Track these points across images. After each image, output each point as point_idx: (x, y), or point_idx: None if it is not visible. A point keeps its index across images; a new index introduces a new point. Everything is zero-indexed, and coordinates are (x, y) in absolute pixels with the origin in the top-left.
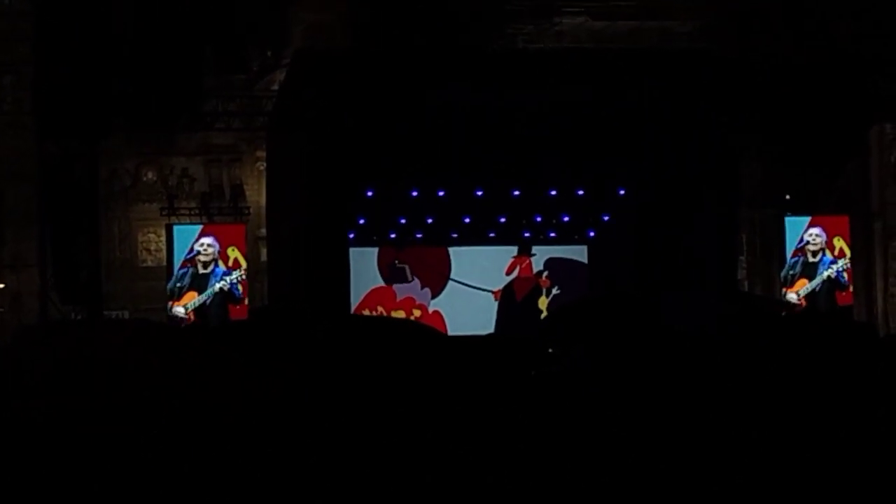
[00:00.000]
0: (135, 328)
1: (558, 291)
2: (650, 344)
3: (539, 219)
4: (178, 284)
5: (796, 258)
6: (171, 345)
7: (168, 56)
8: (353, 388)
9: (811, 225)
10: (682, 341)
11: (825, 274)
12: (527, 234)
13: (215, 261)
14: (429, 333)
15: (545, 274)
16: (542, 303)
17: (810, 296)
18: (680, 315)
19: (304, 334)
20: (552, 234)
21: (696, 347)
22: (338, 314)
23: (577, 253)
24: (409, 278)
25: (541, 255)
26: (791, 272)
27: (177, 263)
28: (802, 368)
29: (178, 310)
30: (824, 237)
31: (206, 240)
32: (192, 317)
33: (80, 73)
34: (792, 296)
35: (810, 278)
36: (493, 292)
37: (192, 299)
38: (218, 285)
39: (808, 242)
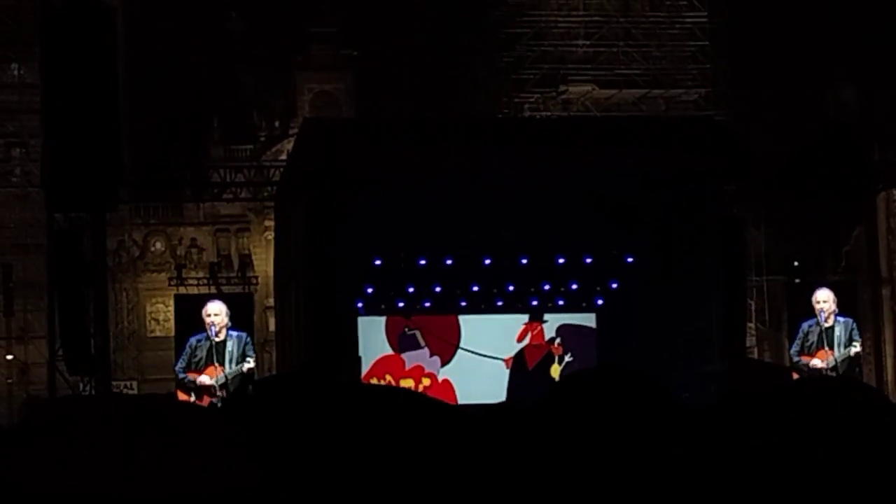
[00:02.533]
0: (144, 407)
1: (571, 359)
2: (656, 417)
3: (547, 286)
4: (196, 356)
5: (811, 325)
6: (184, 425)
7: (175, 127)
8: (358, 464)
9: (816, 287)
10: (688, 414)
11: (852, 351)
12: (535, 302)
13: (226, 326)
14: (434, 405)
15: (557, 341)
16: (555, 371)
17: (835, 368)
18: (687, 386)
19: (309, 407)
20: (561, 302)
21: (702, 420)
22: (344, 384)
23: (589, 320)
24: (421, 344)
25: (553, 322)
26: (807, 341)
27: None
28: (812, 436)
29: (204, 379)
30: (833, 298)
31: (213, 306)
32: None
33: (87, 145)
34: (816, 362)
35: (831, 345)
36: (503, 360)
37: (217, 374)
38: (243, 366)
39: (818, 308)
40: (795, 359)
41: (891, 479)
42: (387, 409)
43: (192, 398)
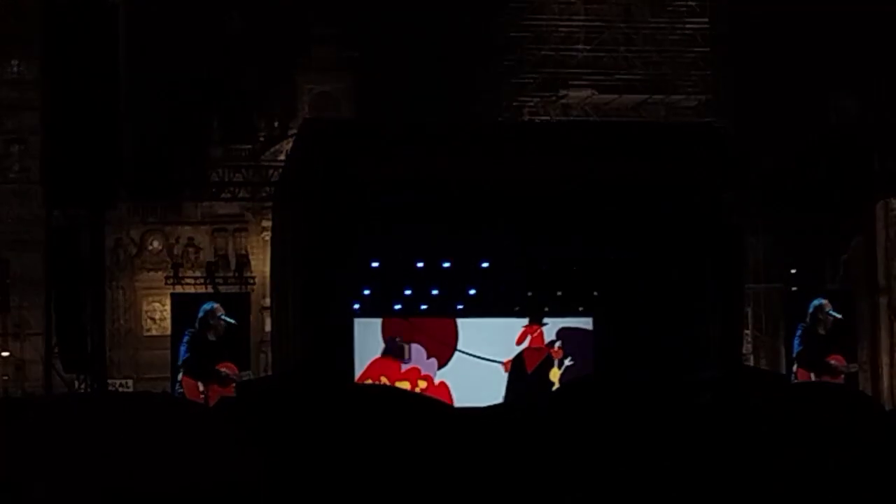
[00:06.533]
0: (139, 403)
1: (571, 363)
2: (657, 422)
3: (544, 290)
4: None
5: (809, 329)
6: (178, 423)
7: (175, 126)
8: (349, 461)
9: (815, 297)
10: (686, 420)
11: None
12: (532, 306)
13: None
14: (426, 404)
15: (557, 344)
16: (555, 374)
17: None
18: (683, 392)
19: (302, 409)
20: (557, 306)
21: (698, 425)
22: (338, 385)
23: (588, 324)
24: (406, 357)
25: (552, 325)
26: (812, 343)
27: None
28: (809, 441)
29: (230, 370)
30: (831, 309)
31: (219, 308)
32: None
33: (87, 143)
34: (838, 362)
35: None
36: (502, 363)
37: (235, 368)
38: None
39: (818, 318)
40: (809, 356)
41: (885, 483)
42: (378, 409)
43: (201, 386)
